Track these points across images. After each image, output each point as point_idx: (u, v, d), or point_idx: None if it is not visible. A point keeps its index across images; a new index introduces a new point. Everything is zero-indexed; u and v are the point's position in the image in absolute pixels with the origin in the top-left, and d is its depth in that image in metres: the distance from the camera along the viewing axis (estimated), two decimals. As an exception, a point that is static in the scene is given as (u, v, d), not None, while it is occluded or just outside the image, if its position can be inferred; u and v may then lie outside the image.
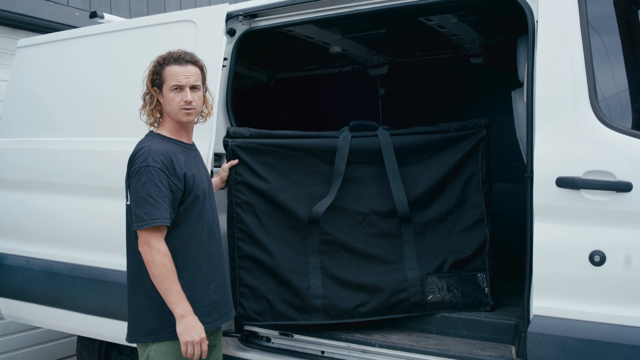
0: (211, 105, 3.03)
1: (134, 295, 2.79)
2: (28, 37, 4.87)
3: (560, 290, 2.71)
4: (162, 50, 3.76)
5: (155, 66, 2.83)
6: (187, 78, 2.78)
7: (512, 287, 4.15)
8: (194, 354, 2.62)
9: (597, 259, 2.62)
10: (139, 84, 3.82)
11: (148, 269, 2.63)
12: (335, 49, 4.94)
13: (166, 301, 2.63)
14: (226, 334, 3.46)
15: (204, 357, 2.68)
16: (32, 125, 4.35)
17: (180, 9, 6.97)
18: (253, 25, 3.60)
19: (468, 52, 5.14)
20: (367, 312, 3.39)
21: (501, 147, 5.25)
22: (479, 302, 3.44)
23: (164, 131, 2.88)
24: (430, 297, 3.40)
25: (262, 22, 3.59)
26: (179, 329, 2.62)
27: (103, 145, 3.92)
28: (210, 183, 3.01)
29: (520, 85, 3.32)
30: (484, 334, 3.29)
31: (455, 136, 3.53)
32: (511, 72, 3.56)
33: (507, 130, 5.06)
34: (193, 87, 2.80)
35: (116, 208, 3.80)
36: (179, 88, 2.77)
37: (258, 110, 5.48)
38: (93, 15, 4.41)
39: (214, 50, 3.51)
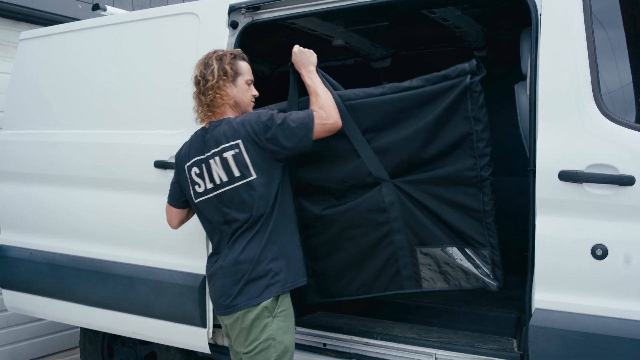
0: None
1: None
2: (30, 29, 4.86)
3: (562, 283, 2.71)
4: (165, 43, 3.78)
5: (230, 57, 2.99)
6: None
7: (515, 281, 4.16)
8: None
9: (599, 252, 2.61)
10: (142, 76, 3.83)
11: None
12: (338, 41, 4.93)
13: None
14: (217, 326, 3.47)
15: None
16: (35, 117, 4.36)
17: (183, 1, 6.96)
18: (255, 17, 3.59)
19: (471, 45, 5.13)
20: (355, 289, 3.29)
21: (504, 140, 5.25)
22: (478, 280, 3.10)
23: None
24: (424, 271, 3.18)
25: (265, 15, 3.58)
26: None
27: (105, 138, 3.92)
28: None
29: (523, 78, 3.31)
30: (486, 327, 3.30)
31: (431, 90, 3.05)
32: (514, 66, 3.55)
33: (509, 124, 5.06)
34: None
35: (118, 200, 3.83)
36: (252, 83, 3.06)
37: (261, 103, 5.48)
38: (95, 7, 4.41)
39: (217, 42, 3.50)
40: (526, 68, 3.18)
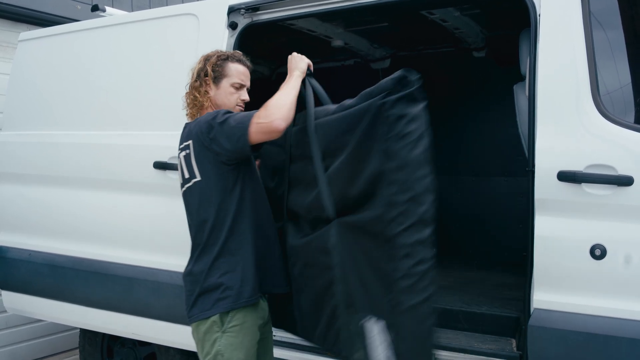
0: None
1: None
2: (30, 30, 4.86)
3: (561, 283, 2.71)
4: (164, 44, 3.78)
5: (217, 59, 2.90)
6: (247, 79, 2.96)
7: (514, 281, 4.17)
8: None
9: (598, 252, 2.62)
10: (141, 77, 3.84)
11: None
12: (338, 42, 4.94)
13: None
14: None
15: None
16: (34, 118, 4.36)
17: (183, 2, 6.96)
18: (255, 18, 3.60)
19: (471, 46, 5.14)
20: (317, 339, 2.92)
21: (503, 141, 5.27)
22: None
23: None
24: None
25: (264, 16, 3.58)
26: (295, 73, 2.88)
27: (105, 139, 3.93)
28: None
29: (523, 78, 3.32)
30: (485, 326, 3.30)
31: (356, 111, 2.54)
32: (513, 66, 3.56)
33: (508, 124, 5.06)
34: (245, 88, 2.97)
35: (118, 201, 3.83)
36: (240, 87, 2.92)
37: (261, 104, 5.48)
38: (95, 8, 4.42)
39: (216, 43, 3.51)
40: (525, 68, 3.19)
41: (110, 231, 3.89)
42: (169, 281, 3.59)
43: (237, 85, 2.90)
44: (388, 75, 2.48)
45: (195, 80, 2.89)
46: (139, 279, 3.72)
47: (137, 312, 3.76)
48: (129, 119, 3.85)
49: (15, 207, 4.42)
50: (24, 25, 5.49)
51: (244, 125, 2.60)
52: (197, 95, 2.87)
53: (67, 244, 4.10)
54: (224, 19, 3.59)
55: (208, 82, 2.87)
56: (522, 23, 3.14)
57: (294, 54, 2.96)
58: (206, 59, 2.91)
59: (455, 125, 5.55)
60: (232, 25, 3.59)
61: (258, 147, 2.96)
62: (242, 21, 3.60)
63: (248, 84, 2.97)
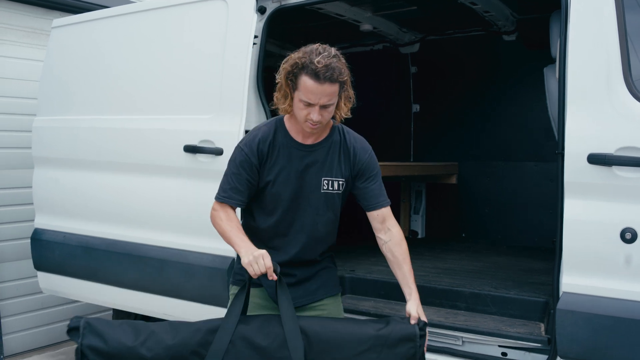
0: (345, 112, 2.71)
1: None
2: (62, 17, 4.94)
3: (591, 267, 2.69)
4: (194, 28, 3.81)
5: (293, 66, 2.57)
6: (320, 99, 2.53)
7: (542, 266, 4.16)
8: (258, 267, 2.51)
9: (629, 236, 2.59)
10: (172, 62, 3.88)
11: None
12: (366, 26, 4.93)
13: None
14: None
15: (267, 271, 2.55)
16: (68, 104, 4.44)
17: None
18: (283, 2, 3.60)
19: (501, 29, 5.09)
20: None
21: (532, 126, 5.23)
22: None
23: (288, 120, 2.77)
24: None
25: (292, 0, 3.59)
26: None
27: (137, 123, 3.98)
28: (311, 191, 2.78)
29: (553, 61, 3.28)
30: (513, 310, 3.29)
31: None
32: (544, 49, 3.52)
33: (538, 109, 5.02)
34: (324, 106, 2.58)
35: (149, 184, 3.89)
36: (309, 105, 2.57)
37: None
38: (126, -6, 4.47)
39: (245, 28, 3.53)
40: (556, 51, 3.15)
41: (141, 214, 3.95)
42: (199, 263, 3.64)
43: (305, 103, 2.56)
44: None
45: (279, 82, 2.69)
46: (170, 260, 3.78)
47: (168, 293, 3.82)
48: (160, 103, 3.90)
49: (50, 190, 4.51)
50: (57, 13, 5.57)
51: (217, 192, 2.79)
52: (280, 97, 2.70)
53: (100, 226, 4.18)
54: (252, 3, 3.59)
55: (289, 88, 2.63)
56: (553, 5, 3.10)
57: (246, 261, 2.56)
58: (285, 61, 2.62)
59: (484, 110, 5.52)
60: (261, 10, 3.61)
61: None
62: (271, 5, 3.61)
63: (324, 101, 2.54)
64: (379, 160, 2.88)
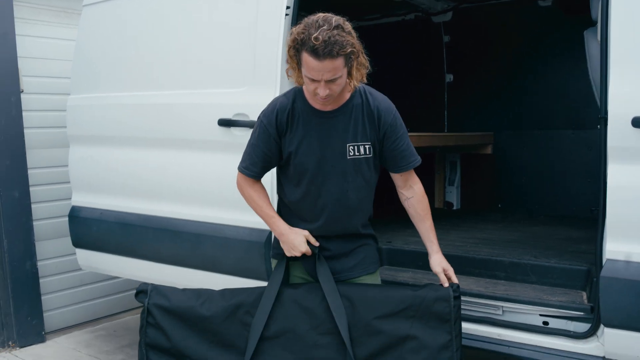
0: (359, 79, 2.63)
1: None
2: (93, -5, 4.94)
3: (636, 233, 2.62)
4: (227, 1, 3.77)
5: (294, 42, 2.52)
6: (322, 75, 2.49)
7: (582, 235, 4.08)
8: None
9: (676, 200, 2.52)
10: (206, 37, 3.85)
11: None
12: (398, -5, 4.85)
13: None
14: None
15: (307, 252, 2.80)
16: (100, 81, 4.46)
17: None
18: (315, -28, 3.55)
19: (535, -5, 4.97)
20: None
21: (570, 93, 5.12)
22: None
23: (306, 89, 2.73)
24: None
25: (324, -30, 3.53)
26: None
27: (170, 98, 3.98)
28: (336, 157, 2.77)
29: (591, 25, 3.18)
30: (554, 279, 3.24)
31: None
32: (581, 15, 3.41)
33: (575, 76, 4.91)
34: (330, 80, 2.53)
35: (184, 159, 3.90)
36: (314, 81, 2.54)
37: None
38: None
39: (276, -1, 3.49)
40: (596, 13, 3.05)
41: (177, 189, 3.97)
42: (235, 236, 3.65)
43: (310, 79, 2.54)
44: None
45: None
46: (206, 234, 3.80)
47: (204, 267, 3.84)
48: (193, 78, 3.89)
49: (86, 168, 4.56)
50: (88, -9, 5.59)
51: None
52: (290, 70, 2.69)
53: (136, 202, 4.22)
54: (284, -26, 3.54)
55: (293, 62, 2.62)
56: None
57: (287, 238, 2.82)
58: (290, 34, 2.59)
59: (519, 79, 5.41)
60: (293, -20, 3.55)
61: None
62: (302, -25, 3.56)
63: (327, 77, 2.49)
64: (413, 131, 2.85)
